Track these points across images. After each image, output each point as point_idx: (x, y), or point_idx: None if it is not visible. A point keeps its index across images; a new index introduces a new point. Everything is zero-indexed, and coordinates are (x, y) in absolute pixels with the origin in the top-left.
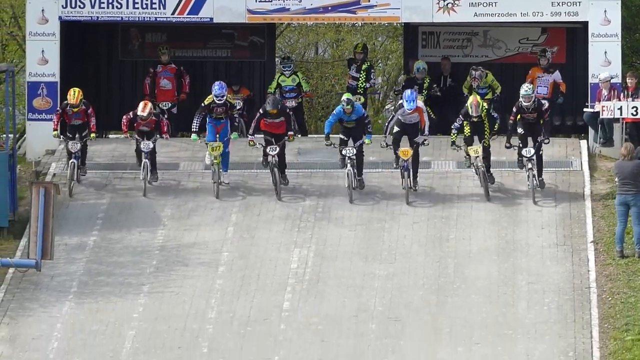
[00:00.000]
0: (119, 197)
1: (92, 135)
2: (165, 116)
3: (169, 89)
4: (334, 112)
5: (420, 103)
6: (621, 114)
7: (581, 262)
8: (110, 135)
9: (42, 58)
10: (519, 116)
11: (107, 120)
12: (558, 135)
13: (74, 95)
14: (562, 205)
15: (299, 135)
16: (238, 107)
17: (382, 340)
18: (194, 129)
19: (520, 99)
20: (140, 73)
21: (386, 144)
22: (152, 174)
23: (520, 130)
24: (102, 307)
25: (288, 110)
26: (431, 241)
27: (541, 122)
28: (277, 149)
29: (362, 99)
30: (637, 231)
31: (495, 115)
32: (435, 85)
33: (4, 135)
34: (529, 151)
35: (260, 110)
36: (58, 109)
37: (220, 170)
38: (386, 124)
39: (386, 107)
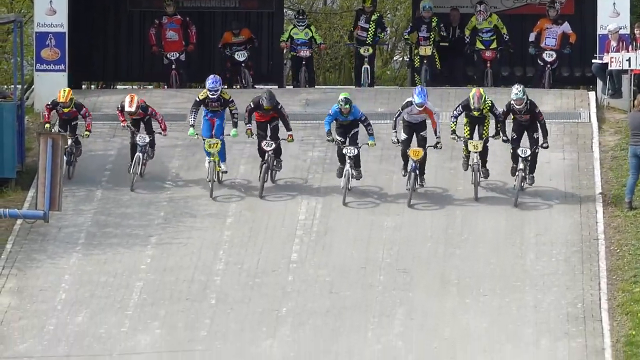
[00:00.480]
0: (127, 149)
1: (86, 133)
2: (174, 66)
3: (175, 40)
4: (330, 111)
5: (429, 104)
6: (629, 65)
7: (589, 213)
8: (118, 86)
9: (51, 8)
10: (510, 115)
11: (115, 71)
12: (566, 86)
13: (64, 94)
14: (570, 157)
15: (307, 97)
16: (242, 59)
17: (391, 291)
18: (191, 123)
19: (512, 102)
20: (149, 24)
21: (397, 140)
22: (149, 156)
23: (512, 134)
24: (110, 259)
25: (280, 107)
26: (439, 192)
27: (538, 124)
28: (273, 144)
29: (371, 50)
30: None
31: (499, 112)
32: (442, 25)
33: (12, 86)
34: (525, 151)
35: (252, 104)
36: (48, 104)
37: (218, 167)
38: (394, 118)
39: (394, 58)
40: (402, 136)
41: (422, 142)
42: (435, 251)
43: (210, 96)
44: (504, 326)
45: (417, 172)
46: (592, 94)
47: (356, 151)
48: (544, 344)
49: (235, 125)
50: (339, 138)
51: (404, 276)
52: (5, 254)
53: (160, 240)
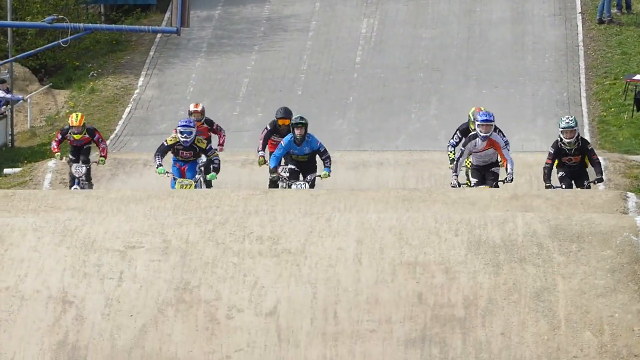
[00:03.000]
0: None
1: (101, 159)
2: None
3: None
4: (282, 143)
5: (495, 135)
6: None
7: (572, 27)
8: None
9: None
10: (556, 161)
11: None
12: None
13: (77, 119)
14: None
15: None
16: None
17: (427, 84)
18: (159, 163)
19: (560, 136)
20: None
21: (457, 183)
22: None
23: (560, 173)
24: (225, 62)
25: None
26: (463, 12)
27: (592, 164)
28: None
29: None
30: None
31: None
32: None
33: None
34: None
35: (268, 126)
36: (59, 134)
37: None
38: (455, 159)
39: None
40: (473, 180)
41: (491, 177)
42: (460, 55)
43: (182, 140)
44: (510, 109)
45: None
46: None
47: (307, 186)
48: (539, 122)
49: (215, 170)
50: (286, 175)
51: (438, 73)
52: (149, 59)
53: (261, 48)
